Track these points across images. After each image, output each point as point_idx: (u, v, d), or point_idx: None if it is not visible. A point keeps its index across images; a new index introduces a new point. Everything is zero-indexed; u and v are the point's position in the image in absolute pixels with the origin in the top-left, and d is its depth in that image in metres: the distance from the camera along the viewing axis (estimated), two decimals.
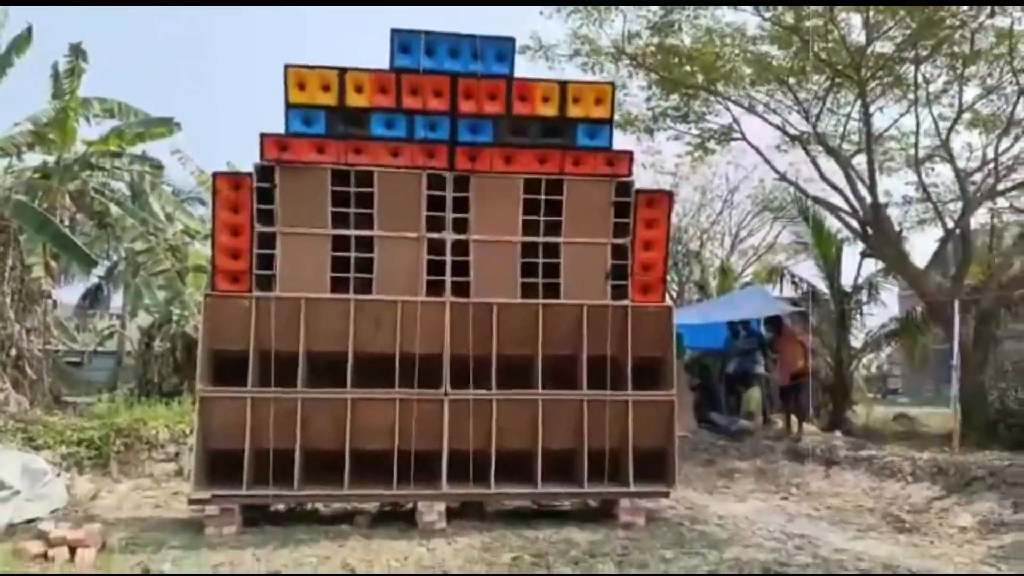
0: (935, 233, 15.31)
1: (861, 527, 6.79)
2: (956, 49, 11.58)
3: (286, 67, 6.39)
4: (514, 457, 6.53)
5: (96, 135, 12.91)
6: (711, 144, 15.23)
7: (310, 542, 5.68)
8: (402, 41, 6.52)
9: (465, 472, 6.42)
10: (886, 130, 13.74)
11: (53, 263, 12.51)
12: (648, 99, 13.93)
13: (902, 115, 13.31)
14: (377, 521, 6.44)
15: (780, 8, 11.74)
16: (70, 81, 11.73)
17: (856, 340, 15.21)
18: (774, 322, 12.20)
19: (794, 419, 11.37)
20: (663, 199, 7.16)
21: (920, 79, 12.13)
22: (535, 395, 6.55)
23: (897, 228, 13.70)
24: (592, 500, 7.06)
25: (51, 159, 12.57)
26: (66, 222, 12.13)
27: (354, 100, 6.47)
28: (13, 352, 10.63)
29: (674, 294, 21.30)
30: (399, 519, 6.45)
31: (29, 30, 11.34)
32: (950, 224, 13.12)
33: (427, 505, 6.25)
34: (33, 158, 12.85)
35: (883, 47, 11.79)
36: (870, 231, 12.67)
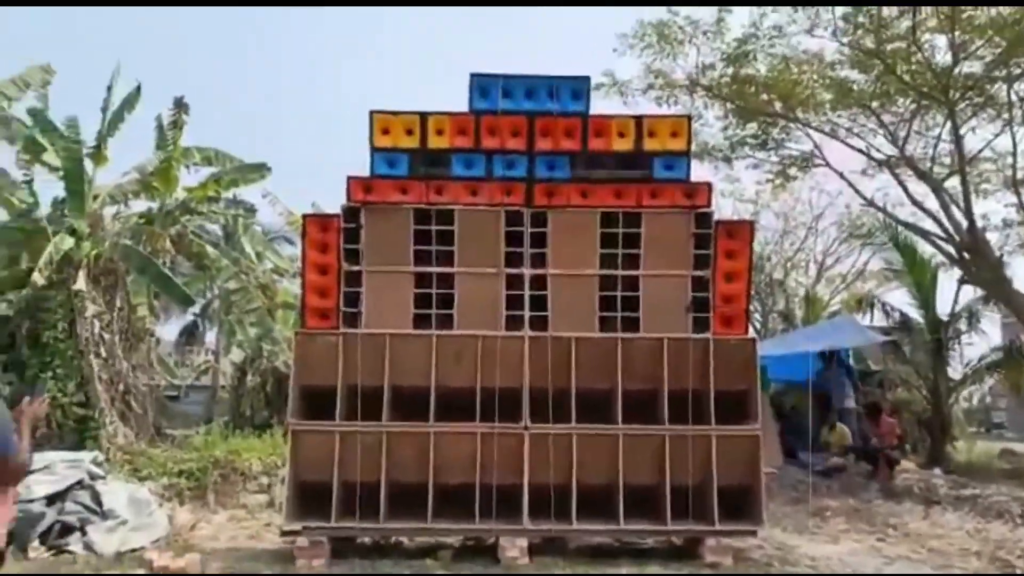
0: None
1: (967, 572, 6.40)
2: None
3: (371, 113, 6.71)
4: (595, 491, 6.49)
5: (195, 181, 13.76)
6: (792, 171, 14.93)
7: None
8: (481, 85, 6.76)
9: (546, 506, 6.41)
10: (980, 151, 13.16)
11: (156, 302, 13.29)
12: (725, 128, 13.83)
13: (996, 135, 12.73)
14: (460, 555, 6.48)
15: (859, 32, 11.51)
16: (173, 133, 12.56)
17: (955, 371, 14.45)
18: (870, 409, 11.72)
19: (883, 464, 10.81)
20: (744, 229, 7.08)
21: (1014, 97, 11.61)
22: (615, 429, 6.51)
23: (997, 253, 13.04)
24: (676, 538, 6.91)
25: (155, 205, 13.44)
26: (167, 264, 12.90)
27: (435, 142, 6.73)
28: (121, 387, 11.29)
29: (758, 324, 20.78)
30: (482, 554, 6.48)
31: (138, 88, 12.28)
32: None
33: (509, 540, 6.27)
34: (139, 205, 13.80)
35: (971, 67, 11.37)
36: (967, 256, 12.10)
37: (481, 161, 6.74)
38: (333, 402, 6.45)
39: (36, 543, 6.42)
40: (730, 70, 12.55)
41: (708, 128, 13.87)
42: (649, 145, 6.78)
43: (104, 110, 12.09)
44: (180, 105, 12.56)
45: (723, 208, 19.25)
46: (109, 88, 12.07)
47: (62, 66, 13.39)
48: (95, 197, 12.50)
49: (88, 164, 12.10)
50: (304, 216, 7.15)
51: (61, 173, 11.84)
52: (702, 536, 6.42)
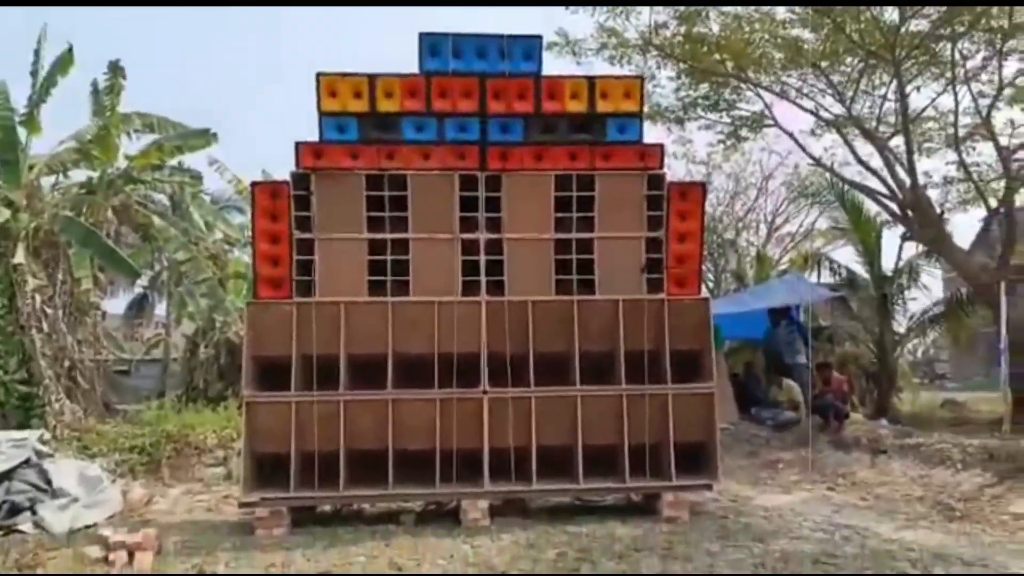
0: (979, 213, 14.97)
1: (910, 516, 6.69)
2: (994, 24, 11.27)
3: (318, 75, 6.50)
4: (555, 453, 6.57)
5: (136, 149, 13.27)
6: (743, 132, 15.07)
7: (357, 542, 5.79)
8: (430, 44, 6.60)
9: (507, 469, 6.47)
10: (923, 110, 13.46)
11: (100, 275, 12.88)
12: (677, 89, 13.85)
13: (940, 94, 13.03)
14: (422, 519, 6.53)
15: None
16: (110, 98, 12.06)
17: (900, 325, 14.95)
18: (820, 368, 11.91)
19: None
20: (696, 191, 7.12)
21: (958, 56, 11.84)
22: (574, 391, 6.57)
23: (938, 210, 13.41)
24: (634, 495, 7.05)
25: (95, 175, 12.93)
26: (111, 235, 12.48)
27: (385, 105, 6.56)
28: (66, 363, 10.98)
29: (711, 284, 21.11)
30: (444, 517, 6.53)
31: (70, 49, 11.67)
32: (994, 203, 12.82)
33: (470, 503, 6.32)
34: (78, 174, 13.27)
35: (918, 25, 11.54)
36: (910, 214, 12.43)
37: (433, 124, 6.62)
38: (288, 372, 6.36)
39: None
40: (683, 28, 12.51)
41: (660, 89, 13.89)
42: (602, 107, 6.73)
43: (34, 75, 11.52)
44: (116, 69, 12.04)
45: (676, 170, 19.37)
46: (36, 51, 11.49)
47: None
48: (31, 167, 11.98)
49: (21, 132, 11.56)
50: (253, 184, 6.95)
51: None
52: (659, 492, 6.56)
